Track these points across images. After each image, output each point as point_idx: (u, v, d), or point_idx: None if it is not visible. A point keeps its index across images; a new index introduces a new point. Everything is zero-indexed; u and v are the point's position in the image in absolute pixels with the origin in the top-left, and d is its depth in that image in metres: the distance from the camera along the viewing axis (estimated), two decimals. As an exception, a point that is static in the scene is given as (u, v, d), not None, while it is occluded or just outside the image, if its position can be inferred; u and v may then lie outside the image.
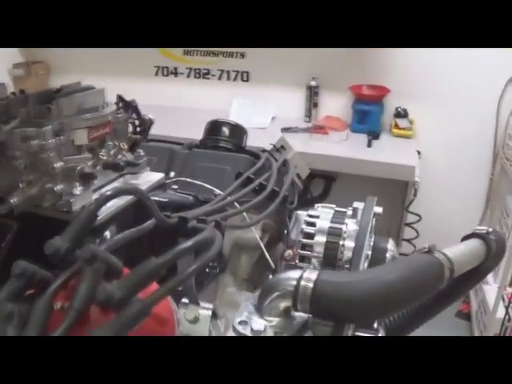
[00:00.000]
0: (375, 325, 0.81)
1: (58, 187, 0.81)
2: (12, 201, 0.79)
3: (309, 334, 0.76)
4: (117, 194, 0.72)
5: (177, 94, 3.58)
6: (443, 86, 3.14)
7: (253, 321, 0.75)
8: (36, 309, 0.54)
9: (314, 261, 1.10)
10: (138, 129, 1.02)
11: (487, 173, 3.25)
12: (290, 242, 1.13)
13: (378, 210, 1.15)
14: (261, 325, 0.73)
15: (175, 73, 3.60)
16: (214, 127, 1.38)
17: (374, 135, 3.08)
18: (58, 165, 0.79)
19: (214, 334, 0.70)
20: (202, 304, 0.72)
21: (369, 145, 3.00)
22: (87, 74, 3.70)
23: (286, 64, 3.33)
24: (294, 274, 0.76)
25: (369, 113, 3.17)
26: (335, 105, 3.36)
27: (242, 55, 3.43)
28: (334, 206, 1.20)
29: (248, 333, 0.72)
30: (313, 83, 3.32)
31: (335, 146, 3.00)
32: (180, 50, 3.52)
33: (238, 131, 1.36)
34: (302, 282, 0.74)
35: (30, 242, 0.84)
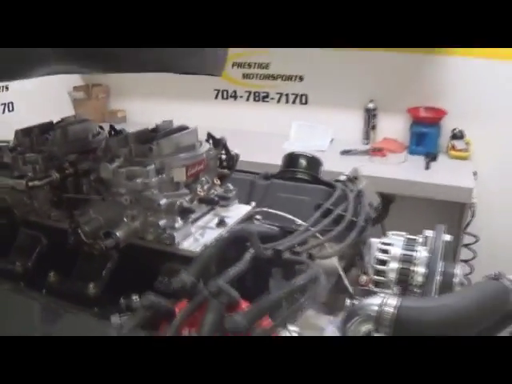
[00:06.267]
0: None
1: (162, 222, 0.88)
2: (118, 234, 0.87)
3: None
4: (234, 237, 0.82)
5: (237, 117, 3.66)
6: (499, 106, 3.11)
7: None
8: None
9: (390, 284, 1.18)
10: (225, 164, 1.10)
11: (546, 193, 3.21)
12: (364, 268, 1.21)
13: (447, 237, 1.23)
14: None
15: (235, 96, 3.68)
16: (292, 159, 1.45)
17: (431, 157, 3.09)
18: (163, 201, 0.87)
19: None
20: (289, 327, 0.79)
21: (427, 167, 3.01)
22: (147, 97, 3.87)
23: (343, 86, 3.37)
24: (376, 300, 0.87)
25: (426, 135, 3.19)
26: (393, 127, 3.38)
27: (301, 78, 3.50)
28: (404, 233, 1.27)
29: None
30: (370, 105, 3.35)
31: (394, 168, 3.03)
32: (239, 73, 3.61)
33: (314, 163, 1.42)
34: (385, 308, 0.84)
35: (131, 271, 0.92)
